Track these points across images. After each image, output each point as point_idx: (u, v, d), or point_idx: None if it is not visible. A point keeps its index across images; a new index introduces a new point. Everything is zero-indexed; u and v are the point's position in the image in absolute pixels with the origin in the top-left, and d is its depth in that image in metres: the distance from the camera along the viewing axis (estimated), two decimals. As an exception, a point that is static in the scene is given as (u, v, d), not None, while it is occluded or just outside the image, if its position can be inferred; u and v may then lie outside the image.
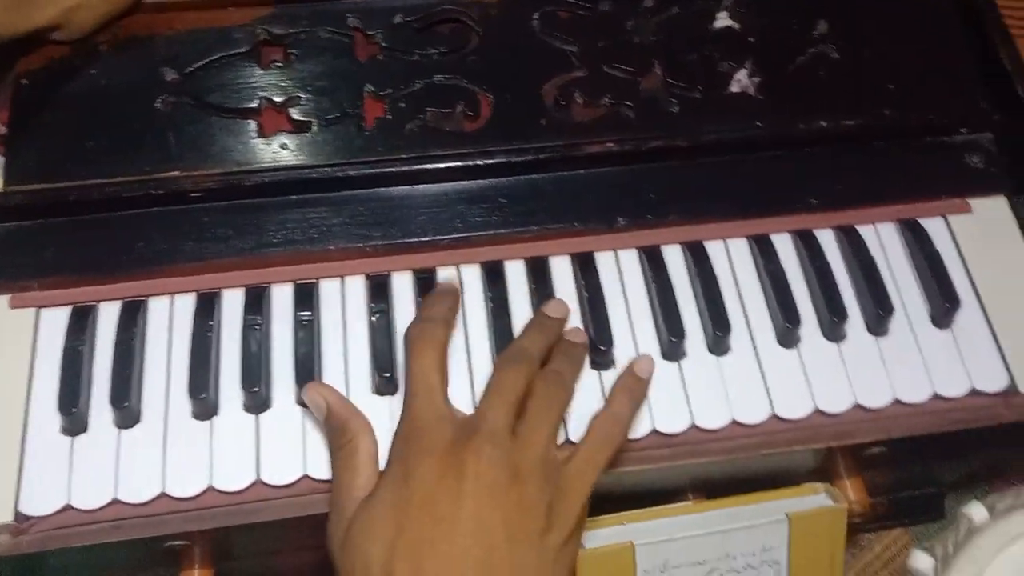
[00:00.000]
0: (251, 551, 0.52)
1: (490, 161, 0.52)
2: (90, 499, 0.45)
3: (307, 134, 0.52)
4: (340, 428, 0.44)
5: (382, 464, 0.43)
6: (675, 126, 0.54)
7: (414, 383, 0.44)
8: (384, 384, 0.48)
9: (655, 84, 0.56)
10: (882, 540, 0.73)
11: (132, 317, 0.49)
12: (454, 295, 0.50)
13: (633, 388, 0.47)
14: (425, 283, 0.51)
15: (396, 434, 0.42)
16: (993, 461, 0.58)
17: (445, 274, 0.52)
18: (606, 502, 0.52)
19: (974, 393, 0.50)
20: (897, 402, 0.50)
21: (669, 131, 0.54)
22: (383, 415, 0.47)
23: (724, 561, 0.52)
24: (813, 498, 0.54)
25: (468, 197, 0.53)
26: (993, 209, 0.55)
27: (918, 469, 0.59)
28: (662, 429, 0.48)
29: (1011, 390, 0.50)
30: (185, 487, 0.45)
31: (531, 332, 0.48)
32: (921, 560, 0.47)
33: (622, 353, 0.50)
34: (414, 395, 0.43)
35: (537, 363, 0.46)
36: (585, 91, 0.55)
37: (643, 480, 0.52)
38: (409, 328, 0.47)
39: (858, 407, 0.50)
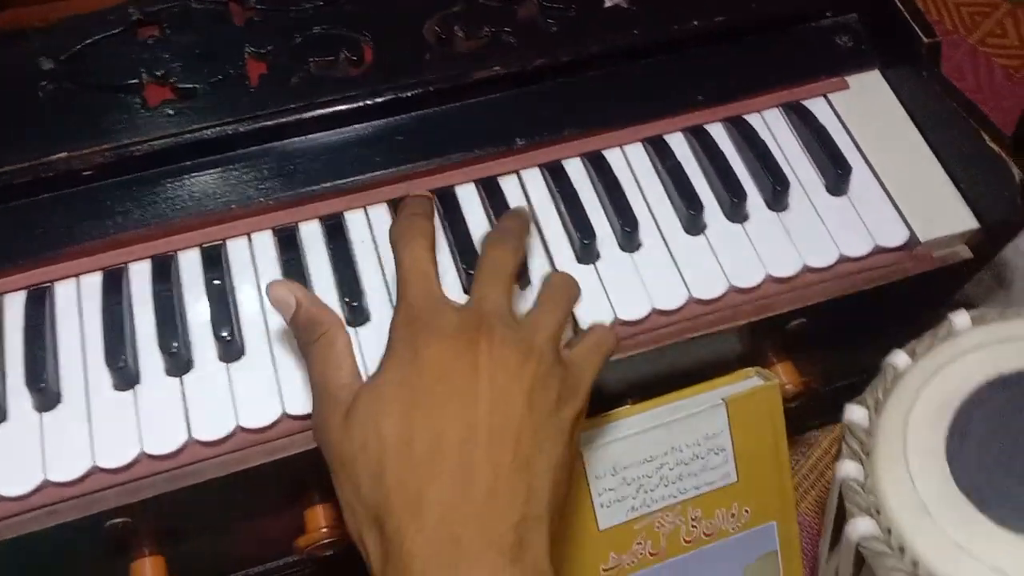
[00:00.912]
0: (198, 526, 0.51)
1: (380, 100, 0.53)
2: (18, 485, 0.44)
3: (192, 100, 0.52)
4: (313, 321, 0.43)
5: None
6: (556, 45, 0.55)
7: (407, 271, 0.43)
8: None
9: (531, 9, 0.57)
10: (828, 436, 0.75)
11: (38, 303, 0.48)
12: (428, 200, 0.50)
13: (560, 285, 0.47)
14: (333, 228, 0.51)
15: (395, 321, 0.42)
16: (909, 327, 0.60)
17: (352, 217, 0.52)
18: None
19: (878, 250, 0.52)
20: (808, 269, 0.51)
21: (551, 50, 0.55)
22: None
23: (672, 454, 0.53)
24: (746, 381, 0.55)
25: (364, 140, 0.53)
26: (868, 83, 0.58)
27: (844, 350, 0.61)
28: (587, 326, 0.49)
29: (912, 242, 0.52)
30: (116, 457, 0.44)
31: (505, 219, 0.49)
32: (854, 412, 0.49)
33: (539, 266, 0.51)
34: (409, 282, 0.43)
35: (522, 242, 0.47)
36: (464, 24, 0.56)
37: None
38: (391, 227, 0.47)
39: (771, 279, 0.51)
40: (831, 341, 0.57)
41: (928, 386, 0.47)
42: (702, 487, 0.55)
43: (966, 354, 0.47)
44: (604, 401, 0.53)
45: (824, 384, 0.63)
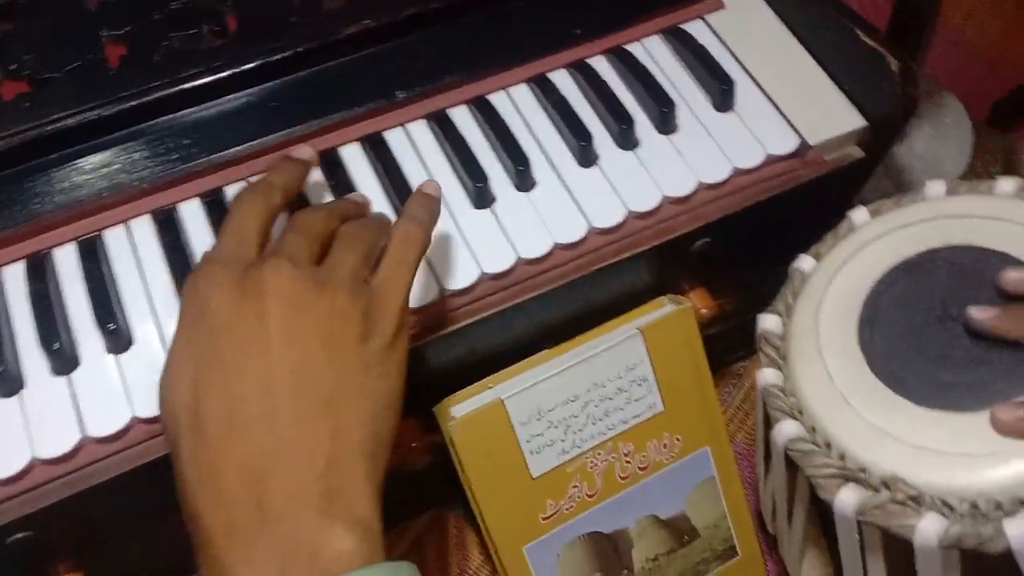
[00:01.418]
0: (113, 533, 0.49)
1: (248, 67, 0.51)
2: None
3: (49, 90, 0.49)
4: None
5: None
6: (426, -8, 0.54)
7: (225, 228, 0.40)
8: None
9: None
10: (757, 365, 0.75)
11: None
12: (300, 166, 0.45)
13: (422, 200, 0.44)
14: (213, 205, 0.49)
15: (189, 277, 0.38)
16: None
17: (234, 191, 0.50)
18: (470, 375, 0.51)
19: (771, 160, 0.52)
20: (703, 186, 0.51)
21: (420, -1, 0.54)
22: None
23: (595, 391, 0.53)
24: (660, 310, 0.55)
25: (237, 111, 0.51)
26: (743, 3, 0.58)
27: (753, 268, 0.61)
28: (490, 270, 0.48)
29: (803, 148, 0.53)
30: (7, 466, 0.42)
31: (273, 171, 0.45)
32: (767, 320, 0.48)
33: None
34: (221, 240, 0.39)
35: (279, 194, 0.42)
36: (327, -17, 0.54)
37: (498, 341, 0.52)
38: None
39: (669, 201, 0.51)
40: (738, 258, 0.57)
41: (834, 282, 0.47)
42: (630, 420, 0.54)
43: (866, 246, 0.47)
44: (522, 352, 0.52)
45: (745, 312, 0.63)
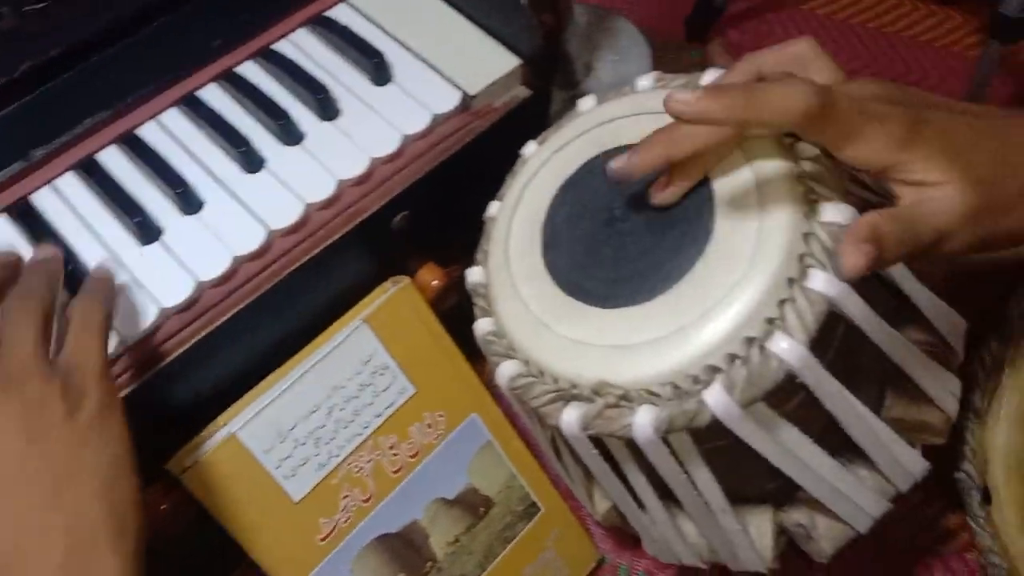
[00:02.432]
0: None
1: None
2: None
3: None
4: None
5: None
6: (39, 41, 0.51)
7: None
8: None
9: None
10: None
11: None
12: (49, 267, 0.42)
13: (96, 279, 0.42)
14: None
15: None
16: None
17: None
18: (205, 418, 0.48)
19: (439, 120, 0.52)
20: (378, 161, 0.51)
21: (37, 48, 0.50)
22: None
23: (336, 394, 0.51)
24: (384, 295, 0.54)
25: None
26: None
27: (468, 233, 0.61)
28: (169, 303, 0.45)
29: (467, 100, 0.53)
30: None
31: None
32: (472, 274, 0.48)
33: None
34: None
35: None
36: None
37: (220, 373, 0.49)
38: None
39: (347, 184, 0.50)
40: (446, 222, 0.57)
41: (515, 219, 0.47)
42: (383, 412, 0.53)
43: (535, 176, 0.47)
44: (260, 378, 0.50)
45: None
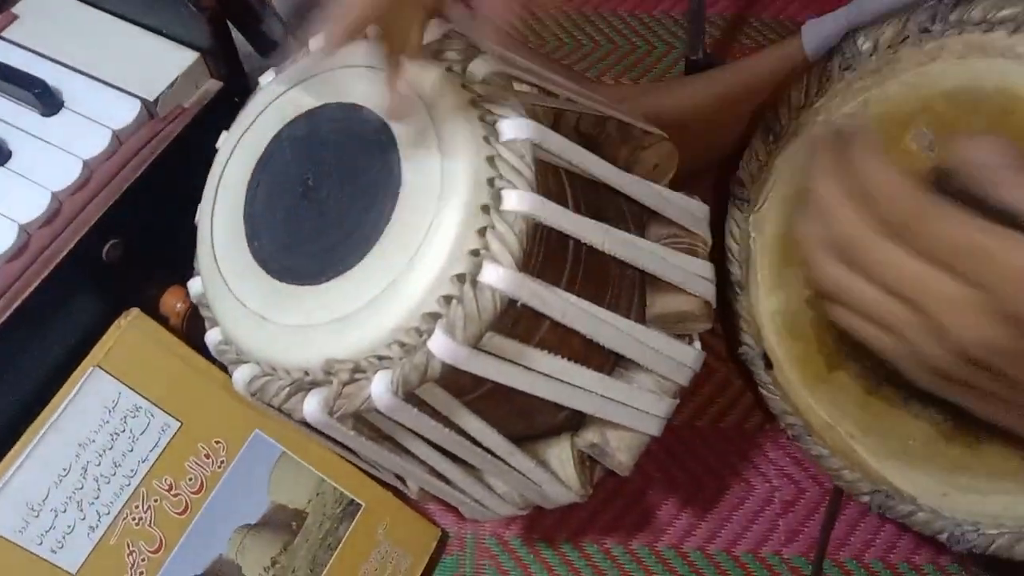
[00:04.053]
0: None
1: None
2: None
3: None
4: None
5: None
6: None
7: None
8: None
9: None
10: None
11: None
12: None
13: None
14: None
15: None
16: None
17: None
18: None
19: (125, 134, 0.49)
20: (64, 193, 0.46)
21: None
22: None
23: (85, 450, 0.47)
24: (116, 334, 0.50)
25: None
26: (36, 5, 0.53)
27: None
28: None
29: (151, 107, 0.49)
30: None
31: None
32: (193, 286, 0.45)
33: None
34: None
35: None
36: None
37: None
38: None
39: (35, 228, 0.46)
40: (175, 240, 0.53)
41: (216, 212, 0.43)
42: (149, 456, 0.49)
43: (226, 167, 0.44)
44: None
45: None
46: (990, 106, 0.40)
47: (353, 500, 0.56)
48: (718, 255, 0.54)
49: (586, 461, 0.50)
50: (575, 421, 0.50)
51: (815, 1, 0.80)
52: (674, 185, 0.50)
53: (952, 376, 0.34)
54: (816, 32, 0.62)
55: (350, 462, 0.55)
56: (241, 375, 0.41)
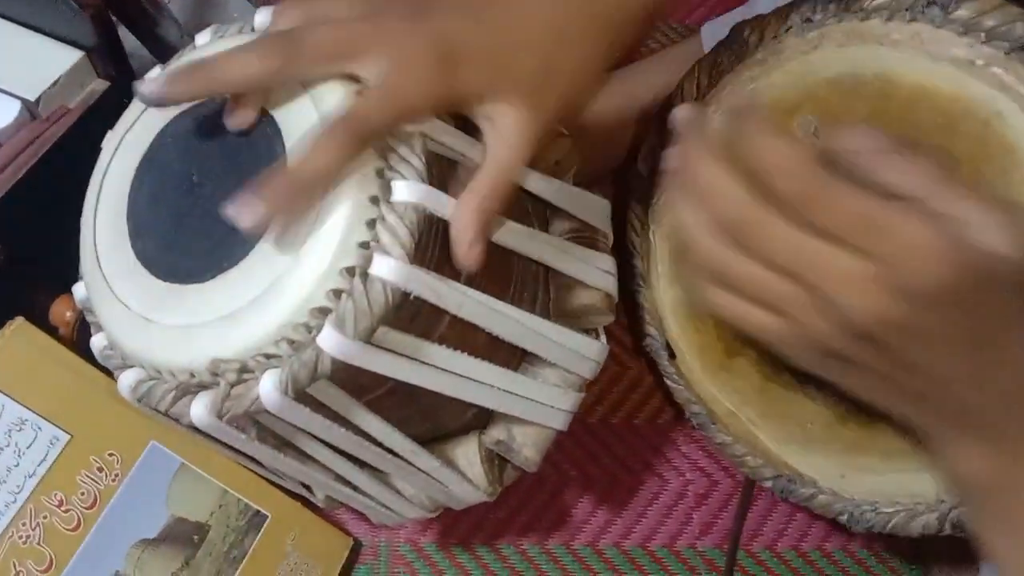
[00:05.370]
0: None
1: None
2: None
3: None
4: None
5: None
6: None
7: None
8: None
9: None
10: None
11: None
12: None
13: None
14: None
15: None
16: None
17: None
18: None
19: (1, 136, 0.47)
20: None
21: None
22: None
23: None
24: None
25: None
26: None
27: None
28: None
29: (32, 107, 0.48)
30: None
31: None
32: (78, 290, 0.43)
33: None
34: None
35: None
36: None
37: None
38: None
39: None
40: (63, 246, 0.51)
41: (98, 213, 0.42)
42: (37, 471, 0.47)
43: (110, 168, 0.43)
44: None
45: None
46: (870, 91, 0.41)
47: (259, 511, 0.55)
48: (621, 250, 0.55)
49: (495, 459, 0.50)
50: (483, 420, 0.49)
51: (720, 7, 0.82)
52: (577, 184, 0.50)
53: (836, 353, 0.34)
54: (716, 33, 0.63)
55: (253, 472, 0.54)
56: (126, 380, 0.40)
